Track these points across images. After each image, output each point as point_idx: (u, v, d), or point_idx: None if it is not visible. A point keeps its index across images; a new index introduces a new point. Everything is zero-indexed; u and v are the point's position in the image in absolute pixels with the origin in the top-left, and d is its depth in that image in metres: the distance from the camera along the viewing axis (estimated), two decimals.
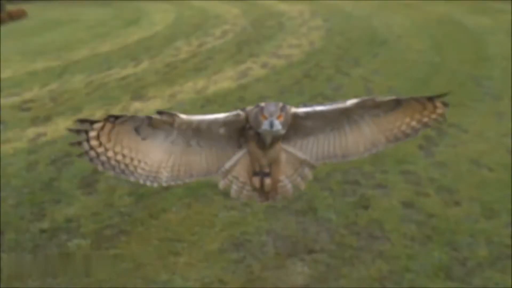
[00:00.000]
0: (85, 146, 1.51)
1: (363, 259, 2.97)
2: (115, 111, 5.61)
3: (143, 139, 1.65)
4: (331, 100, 5.66)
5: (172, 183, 1.77)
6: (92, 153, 1.53)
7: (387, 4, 12.19)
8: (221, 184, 1.87)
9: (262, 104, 1.74)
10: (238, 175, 1.89)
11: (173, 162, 1.76)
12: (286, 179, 1.92)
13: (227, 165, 1.85)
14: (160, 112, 1.63)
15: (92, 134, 1.51)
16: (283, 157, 1.87)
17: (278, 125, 1.69)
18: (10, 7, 13.94)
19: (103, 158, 1.55)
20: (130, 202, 3.72)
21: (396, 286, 2.76)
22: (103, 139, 1.53)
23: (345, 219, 3.38)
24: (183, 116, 1.68)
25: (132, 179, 1.66)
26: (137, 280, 2.89)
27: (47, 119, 5.57)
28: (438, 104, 1.82)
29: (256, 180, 1.84)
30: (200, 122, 1.73)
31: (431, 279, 2.80)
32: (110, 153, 1.56)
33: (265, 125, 1.71)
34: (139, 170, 1.68)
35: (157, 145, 1.70)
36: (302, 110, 1.80)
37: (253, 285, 2.82)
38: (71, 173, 4.21)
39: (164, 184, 1.73)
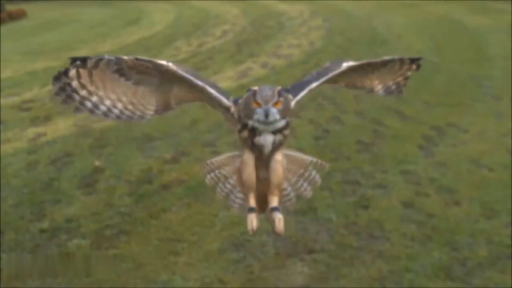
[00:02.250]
0: (68, 90, 1.40)
1: (363, 259, 2.97)
2: None
3: (135, 84, 1.49)
4: (331, 99, 5.67)
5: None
6: (77, 97, 1.41)
7: (387, 4, 12.19)
8: (207, 179, 1.65)
9: (255, 87, 1.47)
10: (228, 176, 1.65)
11: (169, 98, 1.59)
12: (289, 188, 1.66)
13: (214, 160, 1.62)
14: (138, 59, 1.46)
15: (73, 82, 1.40)
16: (283, 163, 1.58)
17: (275, 115, 1.41)
18: (10, 7, 13.95)
19: (88, 102, 1.43)
20: (130, 202, 3.72)
21: (396, 286, 2.76)
22: (85, 82, 1.42)
23: (345, 219, 3.38)
24: (172, 65, 1.49)
25: (115, 120, 1.51)
26: (137, 280, 2.89)
27: (47, 119, 5.56)
28: (413, 66, 1.76)
29: (251, 222, 1.52)
30: (186, 79, 1.50)
31: (431, 279, 2.80)
32: (100, 94, 1.45)
33: (258, 115, 1.42)
34: (126, 112, 1.52)
35: (153, 90, 1.53)
36: (300, 96, 1.57)
37: (253, 285, 2.82)
38: (71, 173, 4.21)
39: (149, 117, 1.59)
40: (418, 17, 10.45)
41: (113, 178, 4.10)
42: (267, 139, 1.47)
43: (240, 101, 1.51)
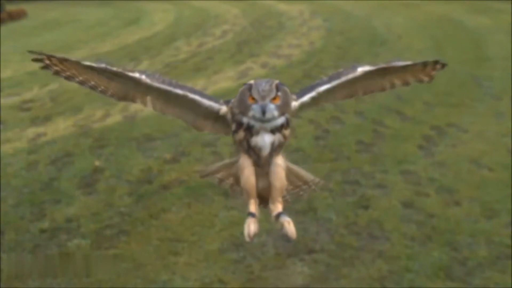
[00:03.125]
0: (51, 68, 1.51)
1: (363, 259, 2.97)
2: (115, 111, 5.62)
3: (109, 79, 1.53)
4: None
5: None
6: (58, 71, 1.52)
7: (387, 4, 12.19)
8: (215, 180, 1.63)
9: (251, 81, 1.35)
10: (225, 178, 1.61)
11: (151, 102, 1.55)
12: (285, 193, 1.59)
13: (209, 169, 1.59)
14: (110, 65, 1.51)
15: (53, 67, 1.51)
16: (285, 167, 1.49)
17: (273, 111, 1.29)
18: (10, 7, 13.94)
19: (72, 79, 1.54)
20: (130, 202, 3.72)
21: (396, 286, 2.76)
22: (62, 68, 1.52)
23: (345, 219, 3.38)
24: (145, 79, 1.46)
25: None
26: (137, 280, 2.89)
27: (47, 119, 5.57)
28: (438, 66, 1.66)
29: (248, 227, 1.42)
30: (171, 93, 1.47)
31: (431, 279, 2.80)
32: (80, 78, 1.54)
33: (254, 111, 1.30)
34: (110, 93, 1.56)
35: (129, 87, 1.53)
36: (301, 100, 1.46)
37: (253, 285, 2.82)
38: (71, 173, 4.21)
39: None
40: (418, 17, 10.44)
41: (113, 178, 4.10)
42: (265, 139, 1.36)
43: (233, 100, 1.41)
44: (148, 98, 1.54)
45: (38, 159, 4.52)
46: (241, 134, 1.37)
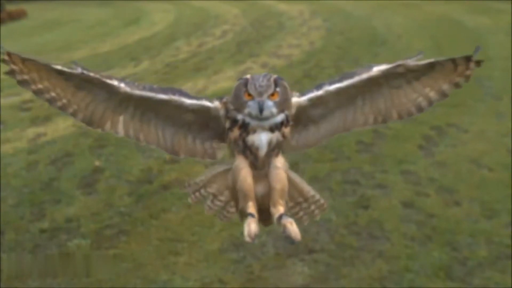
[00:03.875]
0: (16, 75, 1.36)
1: (363, 259, 2.97)
2: None
3: (78, 88, 1.37)
4: None
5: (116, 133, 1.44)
6: (21, 78, 1.36)
7: (387, 4, 12.19)
8: (190, 199, 1.47)
9: (247, 76, 1.28)
10: (216, 193, 1.46)
11: (123, 123, 1.41)
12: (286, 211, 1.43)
13: (198, 180, 1.45)
14: (85, 69, 1.35)
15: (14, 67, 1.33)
16: (285, 170, 1.38)
17: (271, 108, 1.22)
18: (10, 7, 13.95)
19: (33, 87, 1.37)
20: (130, 202, 3.72)
21: (396, 286, 2.76)
22: (21, 68, 1.35)
23: (345, 219, 3.38)
24: (124, 87, 1.33)
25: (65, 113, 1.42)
26: (137, 280, 2.89)
27: (47, 119, 5.56)
28: (472, 64, 1.39)
29: (248, 227, 1.27)
30: (151, 98, 1.33)
31: (431, 279, 2.80)
32: (39, 85, 1.37)
33: (250, 108, 1.22)
34: (59, 103, 1.38)
35: (100, 100, 1.38)
36: (307, 96, 1.33)
37: (253, 285, 2.82)
38: (71, 173, 4.21)
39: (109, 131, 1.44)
40: (418, 17, 10.44)
41: (113, 178, 4.10)
42: (261, 138, 1.27)
43: (226, 96, 1.33)
44: (121, 119, 1.40)
45: (38, 159, 4.52)
46: (236, 132, 1.28)
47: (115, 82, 1.35)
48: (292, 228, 1.29)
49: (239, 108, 1.26)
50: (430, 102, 1.44)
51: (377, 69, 1.36)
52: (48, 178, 4.15)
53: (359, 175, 3.96)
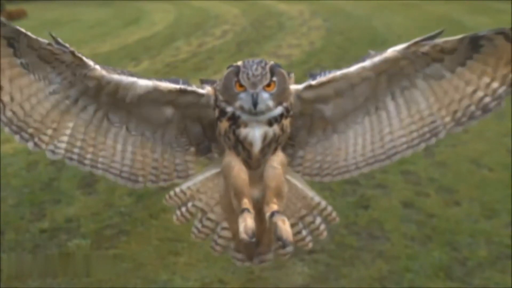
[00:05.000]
0: None
1: (363, 259, 2.97)
2: None
3: (27, 71, 1.11)
4: None
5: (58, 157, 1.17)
6: None
7: (387, 4, 12.19)
8: (175, 217, 1.28)
9: (238, 62, 1.08)
10: (205, 208, 1.25)
11: (72, 131, 1.13)
12: None
13: (185, 187, 1.23)
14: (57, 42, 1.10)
15: None
16: (285, 189, 1.18)
17: (266, 101, 1.03)
18: (10, 7, 13.94)
19: None
20: (130, 202, 3.72)
21: (396, 286, 2.76)
22: None
23: (345, 219, 3.37)
24: (100, 70, 1.09)
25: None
26: (137, 280, 2.88)
27: None
28: None
29: (244, 222, 1.07)
30: (124, 84, 1.09)
31: (431, 279, 2.80)
32: None
33: (242, 101, 1.04)
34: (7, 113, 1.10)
35: (50, 92, 1.11)
36: (317, 80, 1.13)
37: (253, 285, 2.81)
38: (71, 173, 4.21)
39: (49, 154, 1.18)
40: (418, 17, 10.44)
41: None
42: (255, 131, 1.08)
43: (218, 81, 1.13)
44: (71, 125, 1.13)
45: (38, 159, 4.52)
46: (225, 123, 1.10)
47: (90, 62, 1.12)
48: (284, 227, 1.09)
49: (230, 100, 1.07)
50: (498, 97, 1.12)
51: (392, 50, 1.13)
52: (48, 178, 4.15)
53: (359, 175, 3.95)
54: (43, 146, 1.17)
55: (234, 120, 1.09)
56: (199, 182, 1.24)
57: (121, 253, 3.12)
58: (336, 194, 3.68)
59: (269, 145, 1.11)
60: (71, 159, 1.21)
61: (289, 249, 1.16)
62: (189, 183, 1.25)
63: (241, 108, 1.07)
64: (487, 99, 1.13)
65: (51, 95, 1.14)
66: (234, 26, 10.78)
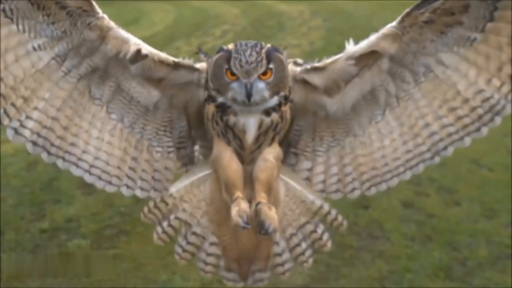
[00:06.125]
0: None
1: (363, 259, 2.97)
2: None
3: (9, 19, 0.91)
4: None
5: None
6: None
7: (387, 4, 12.18)
8: (156, 235, 1.13)
9: (229, 46, 0.99)
10: (190, 220, 1.12)
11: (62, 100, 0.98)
12: (280, 243, 1.08)
13: (173, 189, 1.10)
14: None
15: None
16: (281, 192, 1.04)
17: (261, 92, 0.90)
18: None
19: None
20: (130, 202, 3.71)
21: (396, 286, 2.76)
22: None
23: (345, 219, 3.37)
24: (106, 17, 0.98)
25: None
26: (137, 280, 2.88)
27: None
28: None
29: (238, 206, 0.93)
30: (131, 43, 0.97)
31: (431, 279, 2.80)
32: None
33: (234, 92, 0.91)
34: None
35: (29, 48, 0.94)
36: (323, 62, 0.99)
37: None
38: (71, 173, 4.21)
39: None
40: None
41: None
42: (249, 119, 0.94)
43: (210, 61, 1.00)
44: (61, 93, 0.96)
45: (38, 159, 4.49)
46: (212, 107, 0.97)
47: (98, 9, 0.95)
48: (270, 213, 0.94)
49: (220, 90, 0.94)
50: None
51: (389, 26, 0.98)
52: (48, 178, 4.15)
53: None
54: (6, 121, 1.00)
55: (224, 109, 0.96)
56: (182, 188, 1.09)
57: (121, 253, 3.12)
58: None
59: (266, 133, 0.96)
60: (34, 143, 1.03)
61: (272, 231, 0.91)
62: (172, 189, 1.11)
63: (234, 99, 0.94)
64: None
65: (34, 52, 0.95)
66: (234, 26, 10.78)
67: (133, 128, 1.06)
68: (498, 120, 1.04)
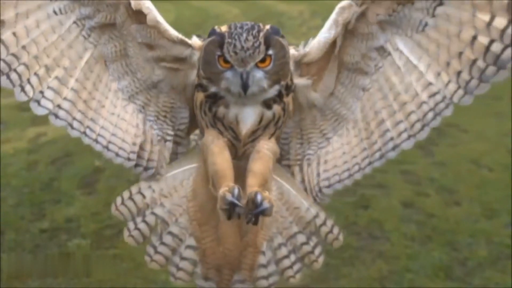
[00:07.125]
0: None
1: (363, 259, 2.97)
2: None
3: None
4: None
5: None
6: None
7: None
8: (126, 234, 0.96)
9: (223, 28, 0.88)
10: (168, 218, 1.01)
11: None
12: (266, 254, 0.94)
13: (143, 185, 0.96)
14: None
15: None
16: (273, 194, 0.94)
17: (259, 81, 0.81)
18: None
19: None
20: None
21: (396, 286, 2.76)
22: None
23: (345, 219, 3.37)
24: None
25: None
26: (137, 280, 2.89)
27: (47, 119, 5.55)
28: None
29: (227, 186, 0.82)
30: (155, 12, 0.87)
31: (431, 279, 2.80)
32: None
33: (228, 82, 0.83)
34: None
35: (50, 11, 0.90)
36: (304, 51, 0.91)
37: None
38: (71, 173, 4.21)
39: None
40: None
41: (113, 178, 4.09)
42: (244, 110, 0.85)
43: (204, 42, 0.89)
44: (67, 65, 0.92)
45: (38, 159, 4.52)
46: (201, 94, 0.88)
47: None
48: (265, 193, 0.85)
49: (212, 79, 0.85)
50: (492, 38, 0.79)
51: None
52: (48, 178, 4.15)
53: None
54: (31, 93, 0.94)
55: (215, 100, 0.87)
56: (163, 180, 0.99)
57: (121, 253, 3.12)
58: (336, 194, 3.67)
59: (266, 127, 0.88)
60: (56, 116, 0.98)
61: (267, 207, 0.80)
62: (149, 182, 0.98)
63: (227, 90, 0.84)
64: (496, 46, 0.83)
65: (54, 16, 0.91)
66: None
67: (137, 105, 1.03)
68: (437, 121, 0.98)
